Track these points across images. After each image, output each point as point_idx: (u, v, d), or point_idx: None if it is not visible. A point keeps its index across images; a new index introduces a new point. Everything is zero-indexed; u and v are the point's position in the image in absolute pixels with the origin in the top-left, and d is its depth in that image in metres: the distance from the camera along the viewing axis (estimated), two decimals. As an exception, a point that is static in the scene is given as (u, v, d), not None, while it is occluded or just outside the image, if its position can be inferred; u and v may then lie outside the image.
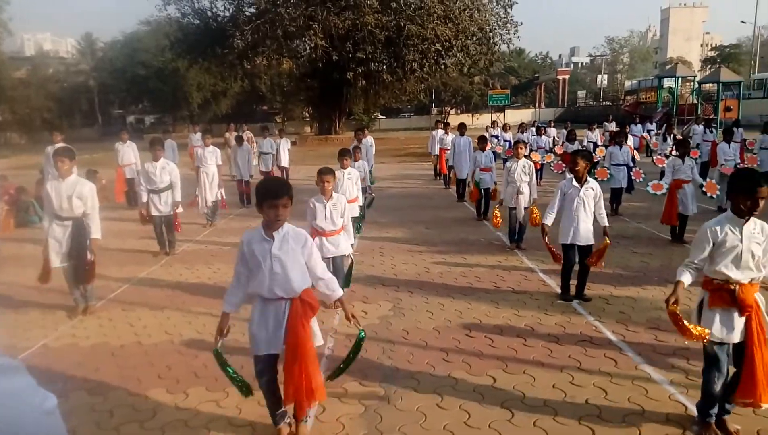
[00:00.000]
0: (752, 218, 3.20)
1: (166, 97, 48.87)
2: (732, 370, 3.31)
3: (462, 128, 13.01)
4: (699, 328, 3.22)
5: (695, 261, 3.32)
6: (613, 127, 19.84)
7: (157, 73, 47.08)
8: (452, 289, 6.36)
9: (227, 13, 30.32)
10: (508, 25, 29.71)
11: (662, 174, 12.25)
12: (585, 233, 5.71)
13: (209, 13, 30.54)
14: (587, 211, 5.71)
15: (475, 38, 29.25)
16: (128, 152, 12.28)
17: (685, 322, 3.23)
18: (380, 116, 54.40)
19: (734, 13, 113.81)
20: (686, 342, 3.62)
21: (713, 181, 8.71)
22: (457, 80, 44.17)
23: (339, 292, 3.46)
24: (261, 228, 3.17)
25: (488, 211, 10.18)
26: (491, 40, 29.96)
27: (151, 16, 39.00)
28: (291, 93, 46.51)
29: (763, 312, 3.21)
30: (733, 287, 3.17)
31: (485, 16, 29.43)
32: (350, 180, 7.00)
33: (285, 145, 15.41)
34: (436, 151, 15.28)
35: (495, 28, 29.76)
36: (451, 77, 37.42)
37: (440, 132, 15.24)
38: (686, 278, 3.33)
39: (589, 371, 4.25)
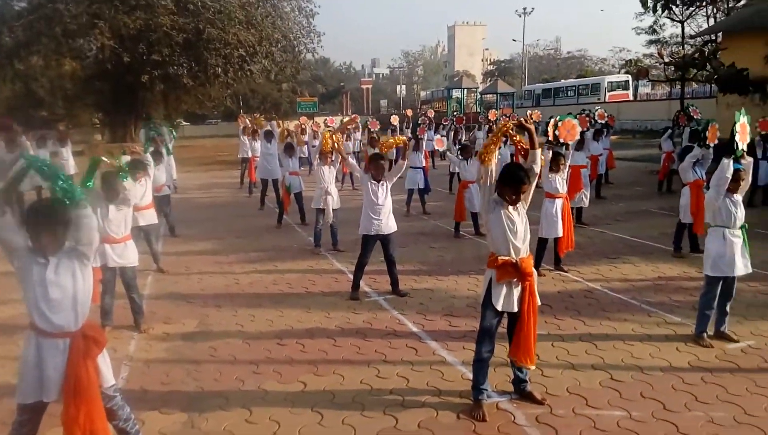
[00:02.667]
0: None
1: None
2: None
3: (269, 135, 12.90)
4: None
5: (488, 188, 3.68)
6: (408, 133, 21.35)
7: None
8: (263, 298, 6.26)
9: (-10, 7, 26.04)
10: (312, 34, 30.37)
11: (452, 175, 13.59)
12: (390, 223, 6.10)
13: (-35, 5, 25.94)
14: (386, 205, 6.06)
15: (279, 45, 29.29)
16: None
17: None
18: (184, 123, 51.44)
19: (507, 32, 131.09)
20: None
21: None
22: (265, 87, 43.71)
23: None
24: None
25: (304, 216, 10.26)
26: (296, 48, 30.30)
27: None
28: (76, 97, 41.50)
29: (534, 284, 3.70)
30: (514, 261, 3.60)
31: (288, 25, 29.66)
32: (143, 187, 6.56)
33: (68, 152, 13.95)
34: (248, 154, 14.93)
35: (299, 37, 30.18)
36: (259, 84, 36.96)
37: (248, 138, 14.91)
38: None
39: (393, 362, 4.51)
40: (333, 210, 8.20)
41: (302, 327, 5.35)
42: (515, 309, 3.65)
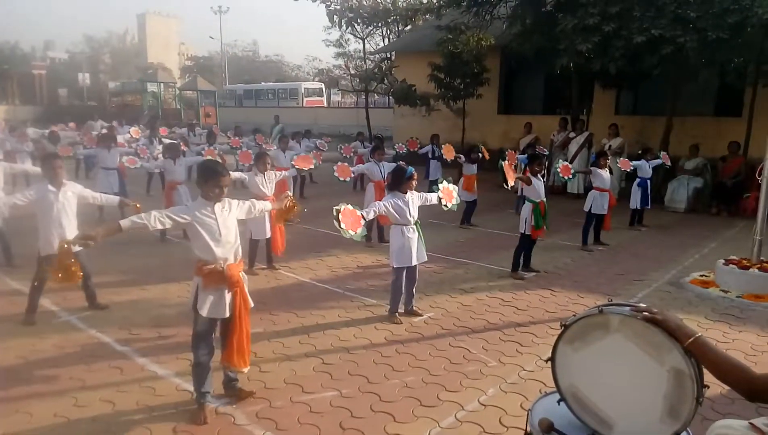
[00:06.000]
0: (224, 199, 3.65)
1: None
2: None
3: None
4: None
5: (170, 213, 3.56)
6: (100, 127, 19.08)
7: None
8: None
9: None
10: (-43, 1, 24.52)
11: (150, 175, 12.60)
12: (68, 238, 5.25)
13: None
14: (69, 216, 5.25)
15: None
16: None
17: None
18: None
19: (204, 28, 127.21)
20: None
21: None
22: None
23: None
24: None
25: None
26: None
27: None
28: None
29: (245, 288, 3.71)
30: (221, 268, 3.53)
31: None
32: None
33: None
34: None
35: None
36: None
37: None
38: (125, 223, 3.49)
39: (94, 387, 4.01)
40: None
41: (-33, 364, 4.34)
42: (226, 315, 3.61)
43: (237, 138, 14.15)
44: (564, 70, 11.53)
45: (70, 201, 5.26)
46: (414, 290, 5.55)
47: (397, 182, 5.27)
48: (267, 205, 4.42)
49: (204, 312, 3.53)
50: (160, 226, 3.56)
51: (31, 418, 3.61)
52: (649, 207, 9.80)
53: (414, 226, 5.31)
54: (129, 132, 15.34)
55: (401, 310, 5.48)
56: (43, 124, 18.49)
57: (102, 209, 8.97)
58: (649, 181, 9.67)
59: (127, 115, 30.68)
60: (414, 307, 5.56)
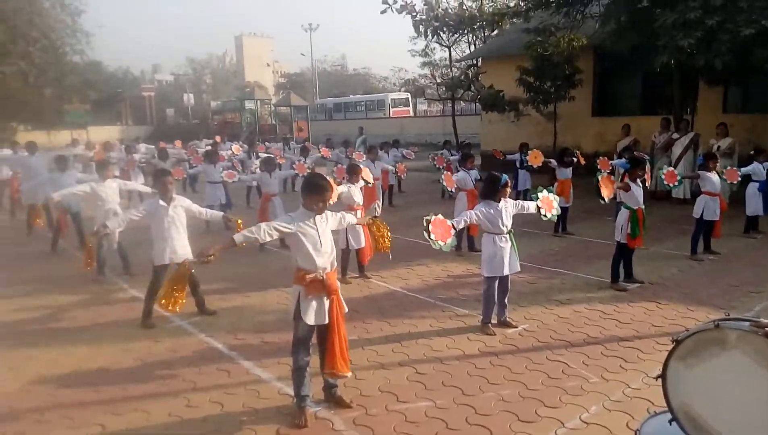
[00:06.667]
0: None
1: None
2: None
3: (32, 147, 11.30)
4: None
5: (278, 225, 3.73)
6: (204, 146, 20.38)
7: None
8: (42, 335, 5.46)
9: None
10: (78, 34, 27.24)
11: (249, 188, 13.36)
12: (182, 250, 5.68)
13: None
14: (179, 228, 5.67)
15: (38, 45, 25.65)
16: None
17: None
18: None
19: (295, 46, 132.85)
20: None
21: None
22: (23, 92, 37.71)
23: None
24: None
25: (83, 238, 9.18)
26: (60, 50, 26.88)
27: None
28: None
29: (340, 296, 3.83)
30: (321, 277, 3.67)
31: (49, 23, 26.16)
32: None
33: None
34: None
35: (62, 36, 26.82)
36: (14, 88, 31.76)
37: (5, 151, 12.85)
38: (238, 238, 3.78)
39: (205, 389, 4.28)
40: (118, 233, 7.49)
41: (93, 365, 4.78)
42: (326, 321, 3.74)
43: (327, 149, 14.85)
44: (664, 68, 10.88)
45: (179, 214, 5.69)
46: (506, 301, 5.45)
47: (491, 190, 5.20)
48: (353, 219, 4.72)
49: (309, 320, 3.68)
50: (268, 238, 3.77)
51: (148, 416, 3.92)
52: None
53: (507, 236, 5.22)
54: (231, 148, 16.28)
55: (494, 320, 5.40)
56: (153, 142, 20.09)
57: (209, 223, 9.55)
58: (765, 184, 8.87)
59: (228, 132, 32.57)
60: (507, 319, 5.45)
